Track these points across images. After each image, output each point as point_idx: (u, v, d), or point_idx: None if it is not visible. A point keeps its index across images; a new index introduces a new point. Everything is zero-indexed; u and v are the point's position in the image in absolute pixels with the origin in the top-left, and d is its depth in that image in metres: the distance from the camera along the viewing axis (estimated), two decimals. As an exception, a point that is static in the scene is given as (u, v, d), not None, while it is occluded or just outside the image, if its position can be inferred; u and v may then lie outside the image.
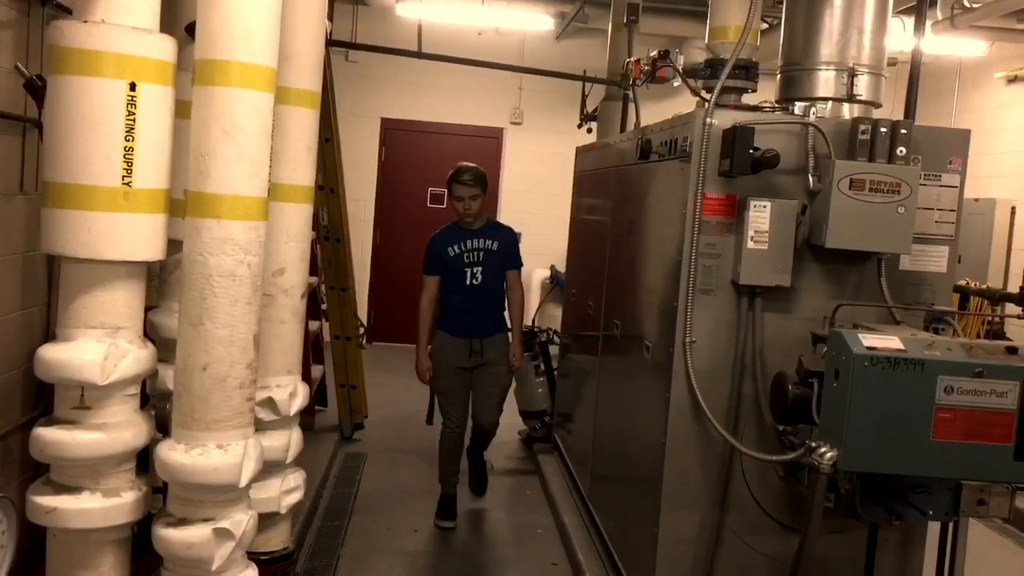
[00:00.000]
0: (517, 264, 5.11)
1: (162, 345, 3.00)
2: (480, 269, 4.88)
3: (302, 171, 3.26)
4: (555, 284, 8.99)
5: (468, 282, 4.87)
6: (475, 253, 4.89)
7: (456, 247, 4.88)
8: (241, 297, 2.56)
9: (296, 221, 3.26)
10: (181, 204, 2.64)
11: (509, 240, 5.05)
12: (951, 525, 3.16)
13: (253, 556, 2.92)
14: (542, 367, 6.36)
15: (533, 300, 8.81)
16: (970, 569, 3.26)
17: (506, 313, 5.09)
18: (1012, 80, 8.58)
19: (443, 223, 5.05)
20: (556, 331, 6.59)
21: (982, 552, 4.44)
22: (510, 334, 5.08)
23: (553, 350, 6.46)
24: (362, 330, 6.86)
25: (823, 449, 2.79)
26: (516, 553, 4.74)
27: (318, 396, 6.65)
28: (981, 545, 4.57)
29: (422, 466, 5.73)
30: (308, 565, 4.30)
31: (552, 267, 9.11)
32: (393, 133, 10.04)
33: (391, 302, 9.86)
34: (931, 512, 2.94)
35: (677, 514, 3.46)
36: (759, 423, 3.39)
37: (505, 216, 9.44)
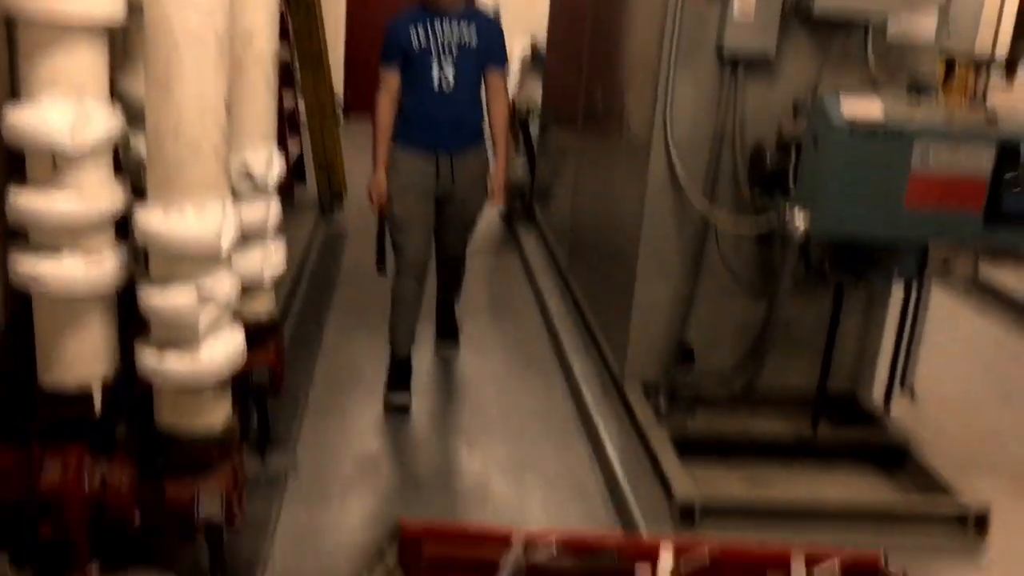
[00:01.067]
0: (501, 61, 4.03)
1: (131, 116, 2.92)
2: (452, 70, 3.83)
3: (266, -75, 3.06)
4: (536, 60, 8.74)
5: (436, 85, 3.83)
6: (447, 46, 3.83)
7: (422, 33, 3.82)
8: (208, 58, 2.48)
9: (262, -18, 3.09)
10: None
11: (492, 32, 3.98)
12: (915, 290, 3.27)
13: (238, 324, 2.99)
14: (522, 144, 6.34)
15: (512, 76, 8.56)
16: (929, 331, 3.41)
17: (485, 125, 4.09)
18: None
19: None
20: (536, 107, 6.51)
21: (943, 318, 4.61)
22: (489, 151, 4.12)
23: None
24: (339, 108, 6.74)
25: (796, 211, 2.82)
26: (495, 320, 4.90)
27: (296, 172, 6.61)
28: (943, 311, 4.74)
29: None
30: (294, 332, 4.43)
31: (532, 36, 8.78)
32: None
33: (366, 75, 9.56)
34: (897, 271, 3.03)
35: (652, 282, 3.56)
36: (736, 193, 3.42)
37: (483, -13, 9.01)
